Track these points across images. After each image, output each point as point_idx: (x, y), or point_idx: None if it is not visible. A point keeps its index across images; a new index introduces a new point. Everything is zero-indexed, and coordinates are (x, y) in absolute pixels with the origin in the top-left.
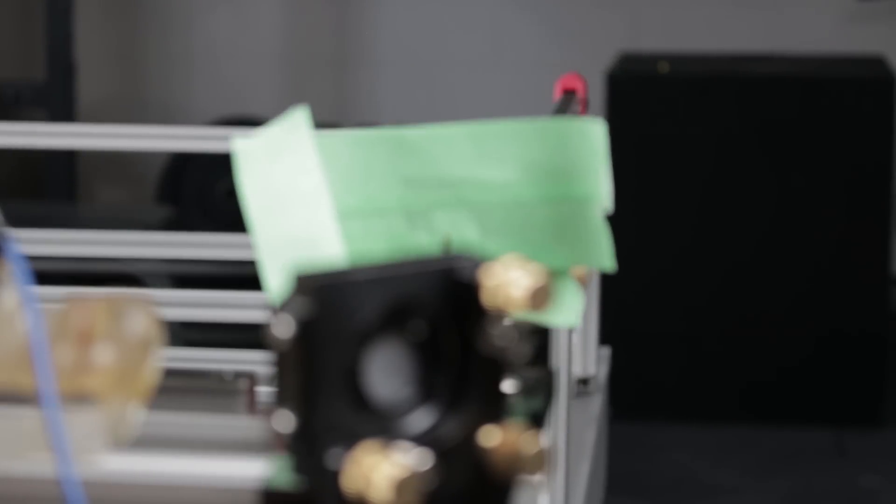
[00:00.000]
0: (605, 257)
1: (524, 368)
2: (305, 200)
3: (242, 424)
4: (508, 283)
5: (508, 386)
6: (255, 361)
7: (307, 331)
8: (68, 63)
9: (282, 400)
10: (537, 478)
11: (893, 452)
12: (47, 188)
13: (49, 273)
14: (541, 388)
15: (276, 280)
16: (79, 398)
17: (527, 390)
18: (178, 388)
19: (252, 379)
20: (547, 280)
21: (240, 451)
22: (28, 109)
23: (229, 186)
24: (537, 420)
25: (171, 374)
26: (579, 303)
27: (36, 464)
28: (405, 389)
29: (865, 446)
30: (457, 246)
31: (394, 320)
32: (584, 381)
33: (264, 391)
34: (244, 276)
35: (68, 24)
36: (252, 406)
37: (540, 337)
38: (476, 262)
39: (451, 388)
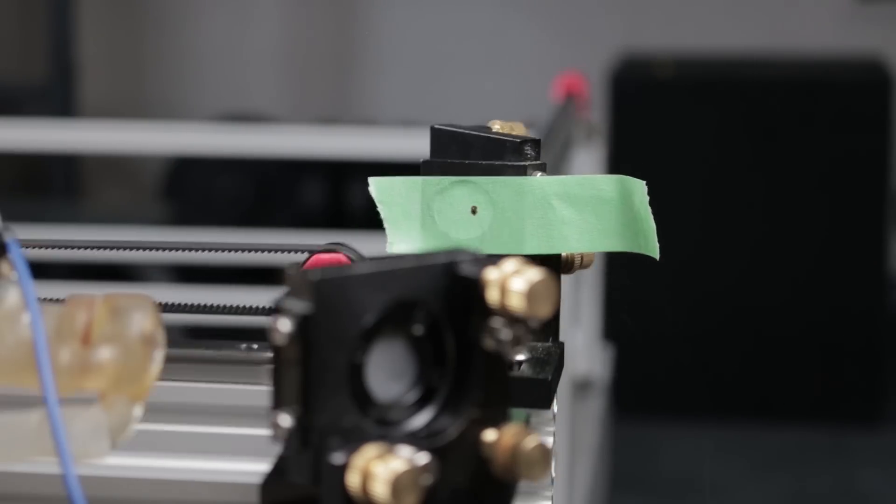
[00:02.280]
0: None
1: (535, 340)
2: None
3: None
4: (510, 280)
5: (520, 355)
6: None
7: (307, 328)
8: (69, 63)
9: (281, 398)
10: (539, 477)
11: (893, 452)
12: (49, 186)
13: (50, 271)
14: (551, 359)
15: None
16: (79, 398)
17: (538, 362)
18: (203, 358)
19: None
20: (548, 279)
21: (263, 419)
22: (29, 109)
23: (231, 183)
24: (546, 390)
25: (196, 343)
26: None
27: (36, 463)
28: (406, 387)
29: (865, 445)
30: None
31: (394, 317)
32: (586, 380)
33: None
34: (246, 272)
35: (69, 24)
36: None
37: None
38: (478, 258)
39: (452, 386)
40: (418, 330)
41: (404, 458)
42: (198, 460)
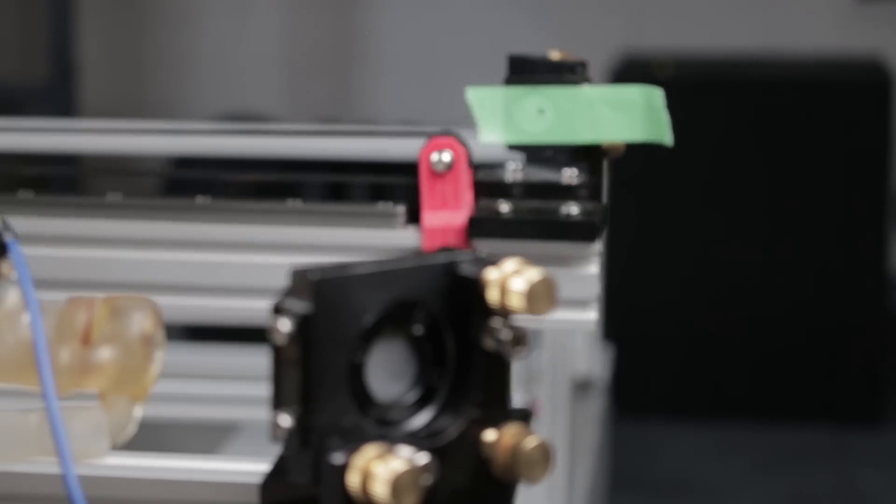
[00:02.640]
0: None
1: (583, 197)
2: None
3: (401, 233)
4: (510, 280)
5: (572, 209)
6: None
7: (307, 328)
8: (69, 63)
9: (282, 398)
10: (539, 477)
11: (893, 452)
12: (49, 185)
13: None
14: (597, 210)
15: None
16: (79, 398)
17: (586, 212)
18: (337, 212)
19: (409, 206)
20: (548, 279)
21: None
22: (29, 109)
23: (231, 182)
24: (593, 228)
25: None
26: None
27: (36, 463)
28: (406, 387)
29: (865, 445)
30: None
31: (394, 317)
32: (585, 381)
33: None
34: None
35: (69, 24)
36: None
37: (594, 178)
38: (478, 259)
39: (452, 386)
40: (418, 330)
41: (404, 458)
42: (198, 460)
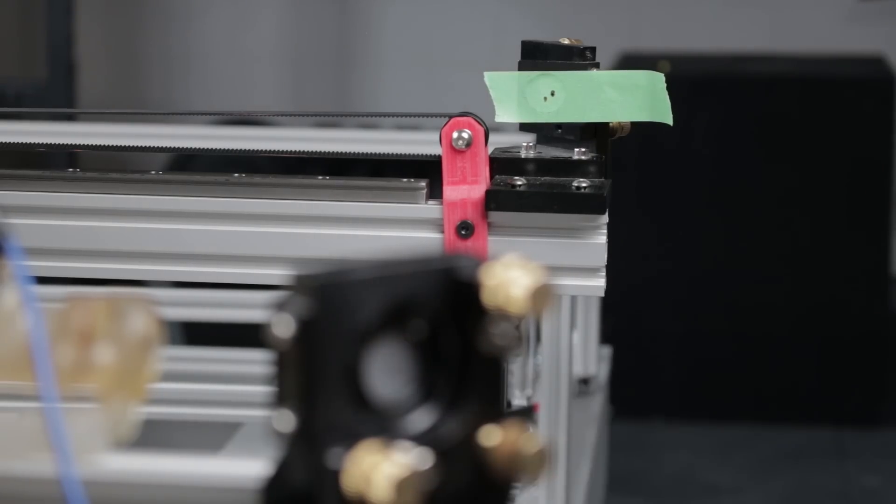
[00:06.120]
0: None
1: (591, 173)
2: None
3: (424, 206)
4: (509, 282)
5: (583, 182)
6: (259, 360)
7: (307, 330)
8: (69, 63)
9: (282, 399)
10: (538, 478)
11: (893, 452)
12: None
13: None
14: (605, 185)
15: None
16: (79, 398)
17: (594, 185)
18: (365, 187)
19: (430, 182)
20: (547, 279)
21: (423, 226)
22: (28, 108)
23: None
24: (602, 200)
25: (357, 180)
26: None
27: (36, 463)
28: (405, 389)
29: (865, 446)
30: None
31: (394, 320)
32: (584, 381)
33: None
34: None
35: (69, 24)
36: (429, 196)
37: (601, 155)
38: (476, 261)
39: (452, 387)
40: (418, 332)
41: (404, 459)
42: (197, 460)
